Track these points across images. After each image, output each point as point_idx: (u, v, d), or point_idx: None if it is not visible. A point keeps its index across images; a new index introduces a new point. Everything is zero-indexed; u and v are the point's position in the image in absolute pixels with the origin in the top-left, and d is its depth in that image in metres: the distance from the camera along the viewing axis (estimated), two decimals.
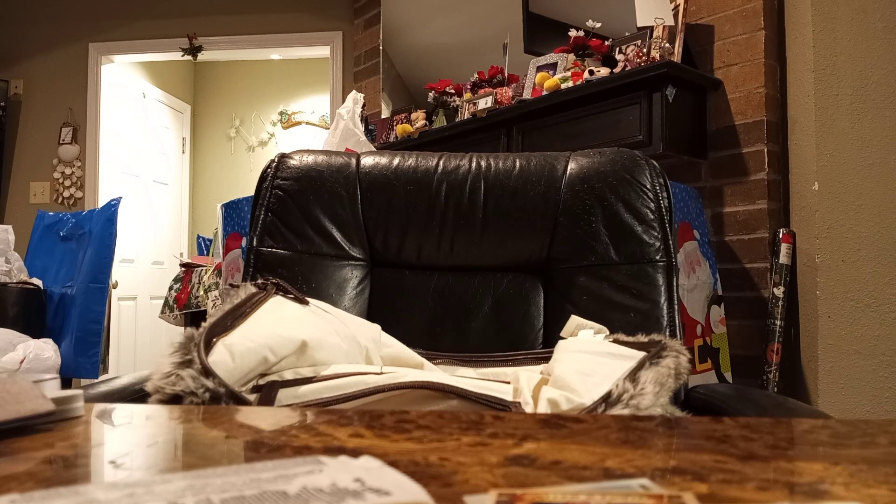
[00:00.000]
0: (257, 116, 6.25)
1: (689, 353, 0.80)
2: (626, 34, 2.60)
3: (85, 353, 2.77)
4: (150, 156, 5.43)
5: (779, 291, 2.24)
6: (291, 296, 0.93)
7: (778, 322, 2.23)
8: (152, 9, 4.70)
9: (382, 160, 1.18)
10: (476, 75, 3.20)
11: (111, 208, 2.98)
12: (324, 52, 4.63)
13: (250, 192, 1.69)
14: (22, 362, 2.53)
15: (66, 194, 4.65)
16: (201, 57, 4.74)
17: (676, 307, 1.02)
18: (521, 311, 1.08)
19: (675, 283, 1.03)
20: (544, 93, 2.65)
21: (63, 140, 4.66)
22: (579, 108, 2.56)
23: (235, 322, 0.78)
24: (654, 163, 1.13)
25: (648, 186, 1.07)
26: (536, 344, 1.05)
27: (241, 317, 0.79)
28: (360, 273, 1.12)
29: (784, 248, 2.25)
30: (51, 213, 3.41)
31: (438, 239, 1.12)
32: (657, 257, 1.04)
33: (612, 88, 2.44)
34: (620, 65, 2.48)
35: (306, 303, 0.93)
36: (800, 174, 2.31)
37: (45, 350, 2.69)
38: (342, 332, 0.86)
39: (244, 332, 0.77)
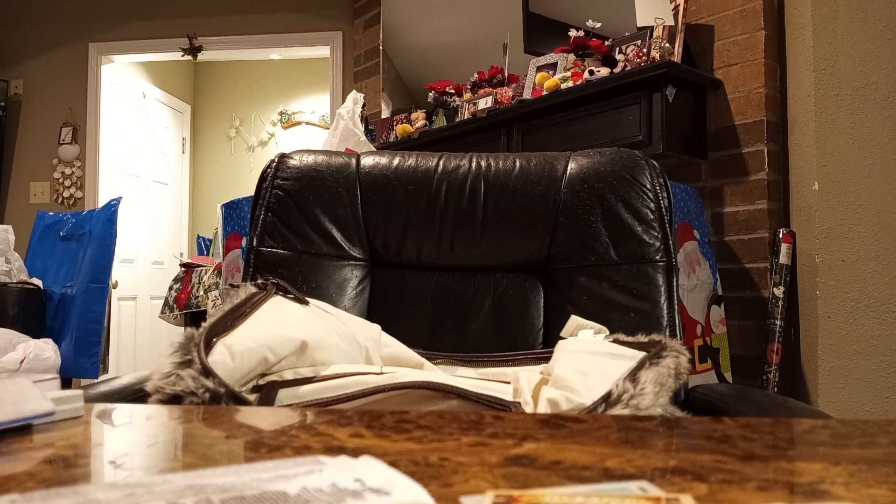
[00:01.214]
0: (257, 116, 6.25)
1: (689, 353, 0.80)
2: (626, 34, 2.60)
3: (85, 353, 2.77)
4: (150, 156, 5.43)
5: (779, 291, 2.24)
6: (291, 296, 0.93)
7: (778, 322, 2.23)
8: (152, 9, 4.70)
9: (382, 160, 1.18)
10: (476, 75, 3.20)
11: (111, 208, 2.98)
12: (324, 52, 4.63)
13: (250, 192, 1.69)
14: (22, 362, 2.53)
15: (66, 194, 4.65)
16: (201, 57, 4.74)
17: (676, 307, 1.02)
18: (521, 311, 1.08)
19: (675, 283, 1.03)
20: (544, 93, 2.65)
21: (63, 140, 4.66)
22: (579, 108, 2.56)
23: (235, 322, 0.78)
24: (654, 163, 1.13)
25: (648, 186, 1.07)
26: (536, 344, 1.05)
27: (241, 317, 0.79)
28: (360, 273, 1.12)
29: (784, 248, 2.25)
30: (51, 213, 3.41)
31: (438, 239, 1.12)
32: (657, 257, 1.04)
33: (612, 88, 2.44)
34: (620, 65, 2.48)
35: (306, 303, 0.93)
36: (800, 174, 2.31)
37: (45, 350, 2.69)
38: (342, 332, 0.86)
39: (244, 333, 0.77)
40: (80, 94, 4.70)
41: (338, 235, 1.13)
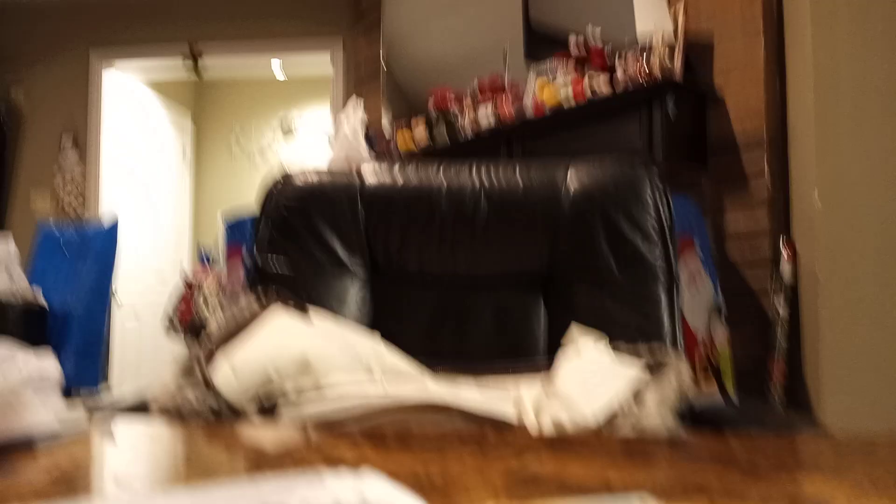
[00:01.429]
0: (259, 124, 6.27)
1: (691, 368, 0.80)
2: (626, 39, 2.60)
3: (86, 365, 2.77)
4: (152, 163, 5.44)
5: (781, 306, 2.23)
6: (292, 304, 0.93)
7: (781, 337, 2.21)
8: (153, 15, 4.72)
9: (385, 177, 1.18)
10: (476, 83, 3.21)
11: (113, 221, 2.99)
12: (324, 58, 4.65)
13: (252, 200, 1.69)
14: (22, 375, 2.52)
15: (67, 202, 4.65)
16: (202, 63, 4.75)
17: (678, 321, 1.02)
18: (521, 322, 1.08)
19: (676, 297, 1.03)
20: (545, 104, 2.66)
21: (64, 146, 4.67)
22: (581, 122, 2.58)
23: (237, 336, 0.78)
24: (655, 170, 1.13)
25: (649, 197, 1.07)
26: (537, 355, 1.05)
27: (242, 331, 0.79)
28: (362, 287, 1.12)
29: (786, 262, 2.24)
30: (52, 225, 3.42)
31: (440, 253, 1.12)
32: (658, 270, 1.04)
33: (614, 104, 2.46)
34: (620, 71, 2.48)
35: (306, 311, 0.93)
36: (801, 187, 2.30)
37: (47, 362, 2.68)
38: (342, 343, 0.86)
39: (246, 347, 0.77)
40: (82, 99, 4.71)
41: (340, 252, 1.13)
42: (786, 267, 2.24)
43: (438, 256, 1.14)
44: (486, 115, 2.97)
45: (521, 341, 1.08)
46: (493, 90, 3.10)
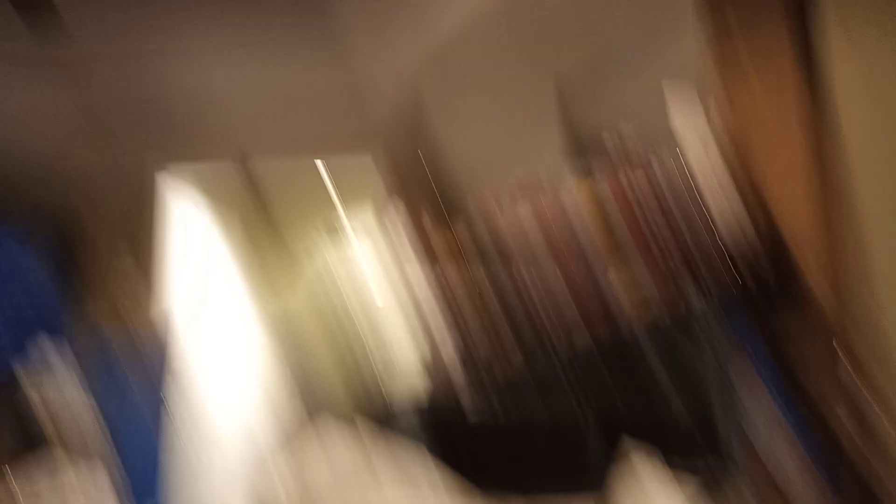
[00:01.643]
0: (305, 225, 6.40)
1: (753, 483, 0.78)
2: (661, 135, 2.64)
3: (141, 478, 2.76)
4: (206, 266, 5.54)
5: (847, 421, 2.11)
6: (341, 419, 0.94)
7: (848, 447, 2.08)
8: (204, 121, 4.90)
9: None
10: (514, 182, 3.27)
11: (168, 326, 3.05)
12: (366, 159, 4.79)
13: (300, 300, 1.71)
14: (71, 485, 2.52)
15: (126, 311, 4.74)
16: (251, 169, 4.92)
17: (735, 432, 0.99)
18: (574, 438, 1.06)
19: (732, 406, 1.01)
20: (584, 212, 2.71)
21: (120, 251, 4.80)
22: None
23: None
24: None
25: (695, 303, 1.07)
26: (589, 473, 1.03)
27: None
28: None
29: (843, 365, 2.13)
30: (108, 331, 3.48)
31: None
32: (711, 378, 1.02)
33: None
34: (656, 167, 2.51)
35: (357, 426, 0.93)
36: (853, 284, 2.20)
37: (99, 475, 2.66)
38: (391, 460, 0.86)
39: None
40: (136, 204, 4.85)
41: None
42: (844, 370, 2.14)
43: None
44: (525, 215, 3.03)
45: (572, 457, 1.06)
46: (532, 189, 3.17)
